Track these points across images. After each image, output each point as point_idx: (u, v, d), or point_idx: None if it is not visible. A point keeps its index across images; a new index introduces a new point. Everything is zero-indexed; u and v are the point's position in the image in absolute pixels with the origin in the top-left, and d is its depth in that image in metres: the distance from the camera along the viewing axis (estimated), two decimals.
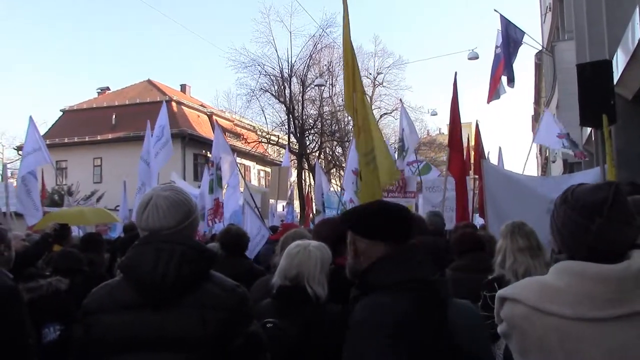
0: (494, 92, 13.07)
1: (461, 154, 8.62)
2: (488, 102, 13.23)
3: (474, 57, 22.76)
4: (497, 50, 13.41)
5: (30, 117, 11.29)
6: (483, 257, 4.62)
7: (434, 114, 39.39)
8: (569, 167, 17.90)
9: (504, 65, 12.98)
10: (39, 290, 4.58)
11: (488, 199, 7.00)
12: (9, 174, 45.29)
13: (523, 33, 13.62)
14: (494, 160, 14.63)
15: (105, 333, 2.17)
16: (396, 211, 2.42)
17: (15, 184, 12.31)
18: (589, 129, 13.29)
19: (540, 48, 19.89)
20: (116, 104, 38.10)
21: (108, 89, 42.91)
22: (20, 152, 35.78)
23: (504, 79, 13.08)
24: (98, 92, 43.03)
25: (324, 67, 37.29)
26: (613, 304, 1.74)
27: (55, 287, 4.67)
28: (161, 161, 13.01)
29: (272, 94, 36.59)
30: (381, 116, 41.34)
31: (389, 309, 2.10)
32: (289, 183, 16.36)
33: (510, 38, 13.22)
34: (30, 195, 10.66)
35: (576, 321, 1.75)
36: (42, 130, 35.64)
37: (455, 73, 8.75)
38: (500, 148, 15.09)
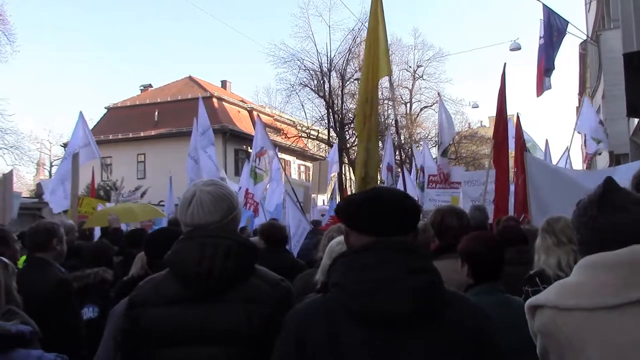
0: (542, 84, 12.83)
1: (507, 147, 8.43)
2: (538, 95, 12.99)
3: (516, 48, 22.33)
4: (541, 40, 13.17)
5: (80, 113, 11.56)
6: (526, 250, 4.57)
7: (475, 106, 38.98)
8: (615, 159, 17.47)
9: (545, 56, 12.75)
10: (85, 279, 4.81)
11: (531, 193, 6.89)
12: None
13: (567, 22, 13.35)
14: (538, 153, 14.31)
15: (150, 326, 2.19)
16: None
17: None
18: (636, 120, 12.97)
19: (585, 37, 19.44)
20: (158, 100, 38.67)
21: (150, 86, 43.55)
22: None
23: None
24: (141, 90, 43.74)
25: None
26: (628, 288, 1.75)
27: (102, 277, 4.91)
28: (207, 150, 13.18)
29: (312, 89, 36.70)
30: (421, 109, 41.12)
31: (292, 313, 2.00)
32: (329, 177, 16.34)
33: (554, 28, 12.96)
34: (63, 184, 10.88)
35: (597, 311, 1.77)
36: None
37: (505, 64, 8.53)
38: (547, 141, 14.73)
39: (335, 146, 20.11)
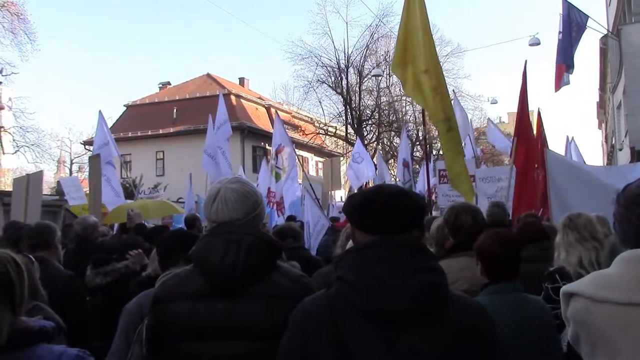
0: (561, 79, 12.68)
1: (527, 144, 8.26)
2: (556, 90, 12.83)
3: (536, 43, 22.13)
4: (560, 35, 13.02)
5: (100, 112, 11.69)
6: (547, 246, 4.53)
7: (494, 102, 38.69)
8: (636, 155, 17.28)
9: (564, 51, 12.59)
10: (116, 273, 4.81)
11: (552, 190, 6.82)
12: (77, 168, 47.04)
13: (587, 17, 13.19)
14: (560, 150, 14.16)
15: (174, 321, 2.23)
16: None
17: (82, 177, 12.64)
18: None
19: (606, 32, 19.22)
20: (177, 98, 38.81)
21: (169, 83, 43.74)
22: (87, 147, 37.05)
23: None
24: (159, 87, 43.97)
25: (381, 57, 37.09)
26: None
27: (132, 269, 4.92)
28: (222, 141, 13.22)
29: (329, 85, 36.70)
30: None
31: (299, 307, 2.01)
32: (342, 173, 16.33)
33: (573, 22, 12.81)
34: (110, 183, 10.92)
35: (629, 306, 1.75)
36: (108, 124, 36.89)
37: (525, 62, 8.42)
38: (567, 137, 14.57)
39: (359, 144, 19.82)
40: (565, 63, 12.54)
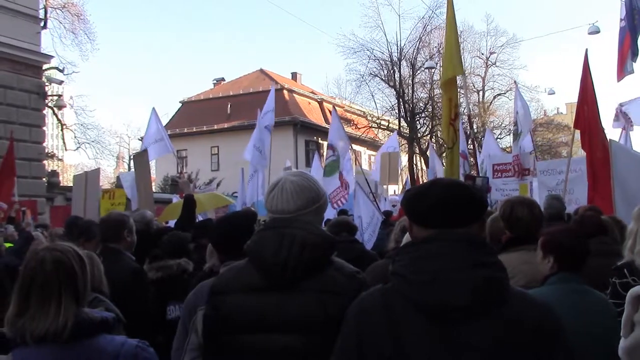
0: (623, 69, 12.24)
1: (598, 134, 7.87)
2: (618, 80, 12.38)
3: (595, 31, 21.45)
4: (621, 23, 12.58)
5: (153, 109, 11.74)
6: (606, 241, 4.38)
7: (552, 93, 37.63)
8: None
9: (629, 39, 12.14)
10: (168, 270, 4.84)
11: (616, 182, 6.57)
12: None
13: None
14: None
15: (230, 313, 2.26)
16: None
17: None
18: None
19: None
20: (231, 94, 39.38)
21: (223, 79, 44.40)
22: None
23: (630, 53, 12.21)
24: (214, 83, 44.66)
25: (434, 49, 36.52)
26: None
27: (184, 268, 4.94)
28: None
29: (382, 79, 36.44)
30: (495, 97, 40.11)
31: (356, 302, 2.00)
32: (399, 167, 16.21)
33: (635, 9, 12.36)
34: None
35: None
36: (163, 121, 37.67)
37: (586, 50, 8.14)
38: (625, 128, 14.03)
39: (394, 136, 19.65)
40: (631, 50, 12.08)
